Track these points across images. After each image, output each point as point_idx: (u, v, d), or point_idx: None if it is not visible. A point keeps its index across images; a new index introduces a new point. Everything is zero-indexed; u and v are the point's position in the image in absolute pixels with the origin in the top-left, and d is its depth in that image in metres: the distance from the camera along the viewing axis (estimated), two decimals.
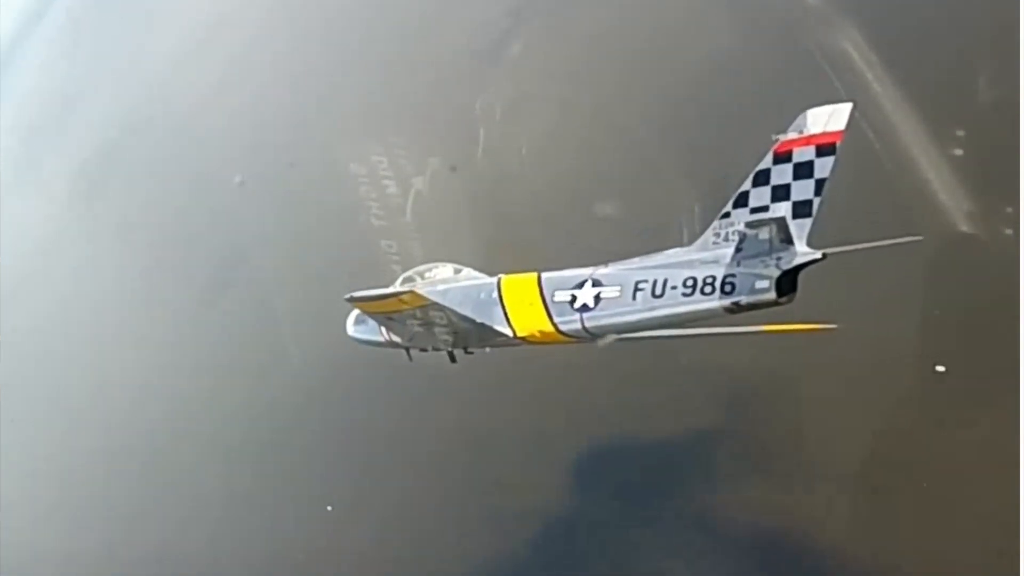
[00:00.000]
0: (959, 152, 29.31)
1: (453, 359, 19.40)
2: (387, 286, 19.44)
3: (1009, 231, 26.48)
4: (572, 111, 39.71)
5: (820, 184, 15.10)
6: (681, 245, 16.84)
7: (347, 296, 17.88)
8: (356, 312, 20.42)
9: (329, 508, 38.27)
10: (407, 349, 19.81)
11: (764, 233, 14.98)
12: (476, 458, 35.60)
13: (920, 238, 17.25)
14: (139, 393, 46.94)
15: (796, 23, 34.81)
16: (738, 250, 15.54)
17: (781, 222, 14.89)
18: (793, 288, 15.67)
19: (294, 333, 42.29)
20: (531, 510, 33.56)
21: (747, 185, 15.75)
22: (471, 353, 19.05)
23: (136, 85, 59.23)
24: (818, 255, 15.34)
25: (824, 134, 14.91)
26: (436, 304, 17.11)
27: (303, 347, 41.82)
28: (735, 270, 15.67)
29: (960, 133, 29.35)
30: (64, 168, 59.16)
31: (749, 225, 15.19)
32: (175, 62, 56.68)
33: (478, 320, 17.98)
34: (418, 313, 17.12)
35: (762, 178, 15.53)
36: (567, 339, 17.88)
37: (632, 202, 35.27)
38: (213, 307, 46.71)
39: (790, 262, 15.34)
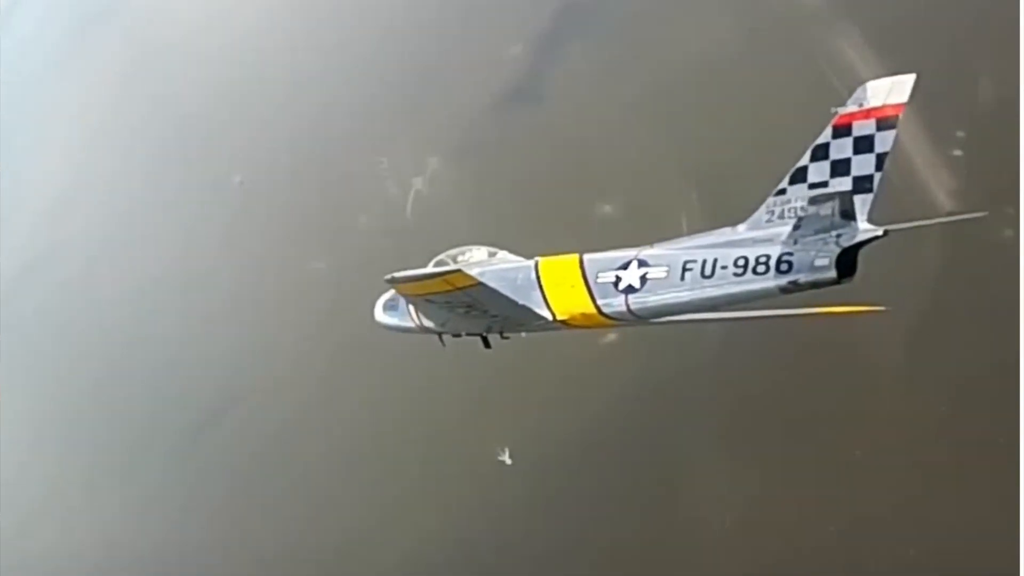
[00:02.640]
0: (959, 152, 29.35)
1: (487, 344, 18.93)
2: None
3: (1009, 231, 26.45)
4: (572, 111, 39.79)
5: (881, 158, 14.40)
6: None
7: (388, 277, 16.81)
8: (385, 298, 19.89)
9: None
10: (440, 335, 19.12)
11: (826, 208, 14.22)
12: None
13: (985, 214, 16.32)
14: None
15: (796, 23, 34.87)
16: (796, 227, 14.73)
17: (847, 196, 14.11)
18: (853, 268, 14.84)
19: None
20: None
21: (805, 160, 14.82)
22: (507, 338, 18.49)
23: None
24: (880, 232, 14.47)
25: (885, 107, 14.28)
26: (481, 284, 16.23)
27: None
28: (792, 248, 14.83)
29: (960, 133, 29.39)
30: None
31: (812, 200, 14.32)
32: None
33: (519, 302, 17.19)
34: (459, 295, 16.29)
35: (821, 152, 14.67)
36: (609, 322, 17.28)
37: (632, 196, 35.33)
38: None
39: (852, 239, 14.45)
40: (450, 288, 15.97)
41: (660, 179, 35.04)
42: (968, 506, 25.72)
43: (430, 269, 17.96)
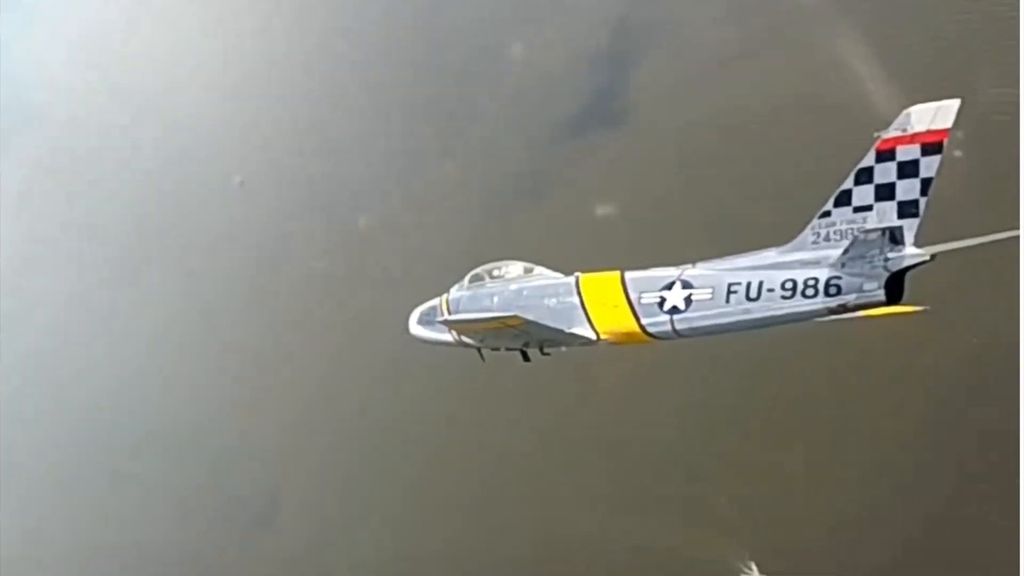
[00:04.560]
0: (959, 153, 29.32)
1: (527, 358, 18.94)
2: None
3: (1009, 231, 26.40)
4: (571, 109, 39.81)
5: (926, 183, 14.70)
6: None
7: (442, 319, 17.78)
8: (420, 311, 19.91)
9: None
10: (479, 349, 19.15)
11: (874, 234, 14.64)
12: None
13: (1018, 233, 16.52)
14: None
15: (795, 23, 34.88)
16: (845, 252, 15.04)
17: (899, 230, 14.61)
18: (900, 289, 15.11)
19: None
20: None
21: (849, 183, 15.10)
22: (548, 354, 18.54)
23: None
24: (926, 257, 14.84)
25: (930, 132, 14.57)
26: (533, 323, 16.74)
27: None
28: (840, 271, 15.19)
29: (960, 133, 29.32)
30: None
31: (863, 231, 14.71)
32: None
33: (566, 330, 17.58)
34: (510, 329, 16.84)
35: (864, 176, 14.95)
36: (650, 340, 17.49)
37: (631, 197, 35.38)
38: None
39: (899, 264, 14.84)
40: (502, 327, 16.60)
41: (659, 180, 35.08)
42: (968, 507, 25.74)
43: (488, 315, 18.13)
